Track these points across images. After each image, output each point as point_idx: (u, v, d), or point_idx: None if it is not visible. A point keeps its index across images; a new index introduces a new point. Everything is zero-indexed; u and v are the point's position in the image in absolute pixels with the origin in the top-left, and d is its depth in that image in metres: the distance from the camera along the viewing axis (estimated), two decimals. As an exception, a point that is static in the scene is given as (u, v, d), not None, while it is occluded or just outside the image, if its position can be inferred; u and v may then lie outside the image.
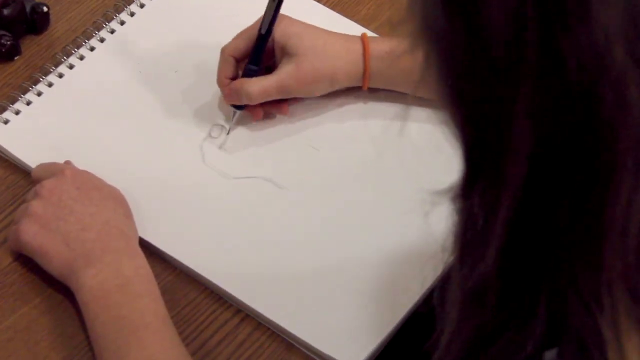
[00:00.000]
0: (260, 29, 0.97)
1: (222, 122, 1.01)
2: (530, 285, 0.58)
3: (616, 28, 0.50)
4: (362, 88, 1.01)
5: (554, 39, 0.50)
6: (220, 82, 0.99)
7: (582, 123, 0.52)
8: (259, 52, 0.98)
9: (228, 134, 1.00)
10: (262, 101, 0.98)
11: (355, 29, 1.08)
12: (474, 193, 0.57)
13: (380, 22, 1.09)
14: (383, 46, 0.99)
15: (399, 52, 0.96)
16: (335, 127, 1.02)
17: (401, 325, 0.90)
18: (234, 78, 0.99)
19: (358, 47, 0.99)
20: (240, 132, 1.01)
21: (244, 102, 0.98)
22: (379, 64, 0.99)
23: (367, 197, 0.97)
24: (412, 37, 0.56)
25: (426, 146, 0.58)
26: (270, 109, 1.01)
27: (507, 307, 0.59)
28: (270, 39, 0.98)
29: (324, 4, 1.11)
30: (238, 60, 0.99)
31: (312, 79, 0.98)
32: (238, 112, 1.00)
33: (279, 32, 0.98)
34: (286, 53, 0.98)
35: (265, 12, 0.97)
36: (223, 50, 0.99)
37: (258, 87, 0.97)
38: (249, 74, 0.98)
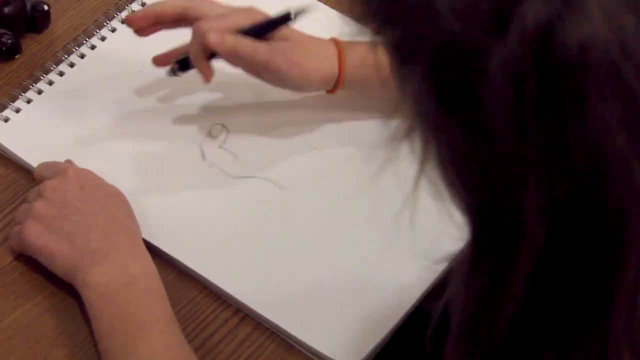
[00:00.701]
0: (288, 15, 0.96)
1: (222, 121, 1.01)
2: (539, 348, 0.58)
3: (616, 120, 0.50)
4: (329, 92, 1.00)
5: (556, 135, 0.51)
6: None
7: (591, 207, 0.52)
8: (265, 28, 0.97)
9: (166, 74, 1.00)
10: (227, 54, 0.94)
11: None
12: (482, 267, 0.57)
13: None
14: (357, 52, 0.98)
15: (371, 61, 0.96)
16: (337, 126, 1.02)
17: (399, 326, 0.90)
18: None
19: (333, 50, 0.98)
20: (241, 131, 1.01)
21: (212, 44, 0.94)
22: (353, 70, 0.98)
23: (370, 199, 0.97)
24: (407, 123, 0.56)
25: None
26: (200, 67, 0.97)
27: None
28: None
29: (324, 3, 1.11)
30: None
31: (287, 66, 0.95)
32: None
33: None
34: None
35: (270, 22, 0.96)
36: (196, 29, 0.95)
37: (232, 38, 0.94)
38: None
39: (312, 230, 0.95)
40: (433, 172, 0.56)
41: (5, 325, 0.89)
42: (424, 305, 0.91)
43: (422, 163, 0.56)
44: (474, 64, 0.50)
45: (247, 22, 0.96)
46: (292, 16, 0.96)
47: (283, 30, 0.96)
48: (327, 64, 0.98)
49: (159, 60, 1.01)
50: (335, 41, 0.99)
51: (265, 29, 0.97)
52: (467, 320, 0.60)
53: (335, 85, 0.99)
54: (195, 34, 0.96)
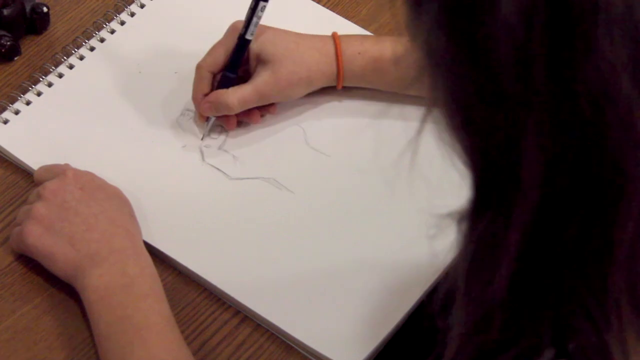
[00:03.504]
0: (244, 34, 0.97)
1: (221, 123, 1.01)
2: (538, 303, 0.58)
3: (622, 61, 0.50)
4: (337, 88, 1.01)
5: (562, 74, 0.50)
6: (196, 99, 0.99)
7: (591, 152, 0.52)
8: (238, 59, 0.98)
9: (202, 139, 1.00)
10: (242, 110, 0.98)
11: (355, 30, 1.08)
12: (483, 218, 0.57)
13: (380, 24, 1.09)
14: (355, 46, 0.99)
15: (369, 55, 0.98)
16: (339, 128, 1.02)
17: (399, 328, 0.90)
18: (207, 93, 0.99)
19: (330, 47, 0.99)
20: (240, 132, 1.01)
21: (222, 113, 0.98)
22: (352, 65, 0.99)
23: (369, 199, 0.97)
24: (417, 66, 0.56)
25: (438, 152, 0.58)
26: (244, 118, 1.00)
27: (513, 326, 0.59)
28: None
29: (323, 5, 1.11)
30: (215, 75, 0.99)
31: (289, 83, 0.98)
32: (212, 118, 0.99)
33: (253, 39, 0.98)
34: (261, 60, 0.98)
35: (251, 16, 0.96)
36: (200, 67, 0.99)
37: (237, 97, 0.97)
38: (226, 82, 0.98)
39: (311, 231, 0.95)
40: (439, 119, 0.56)
41: (4, 327, 0.89)
42: (425, 305, 0.91)
43: (430, 107, 0.57)
44: None
45: (222, 56, 0.98)
46: (247, 35, 0.97)
47: (263, 51, 0.97)
48: (324, 62, 0.99)
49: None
50: (334, 36, 1.00)
51: (237, 60, 0.98)
52: (468, 278, 0.59)
53: (337, 80, 1.00)
54: (198, 69, 0.99)
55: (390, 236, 0.94)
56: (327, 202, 0.97)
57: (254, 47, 0.98)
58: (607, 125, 0.51)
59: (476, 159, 0.56)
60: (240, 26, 0.97)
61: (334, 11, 1.10)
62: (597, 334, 0.57)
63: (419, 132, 0.58)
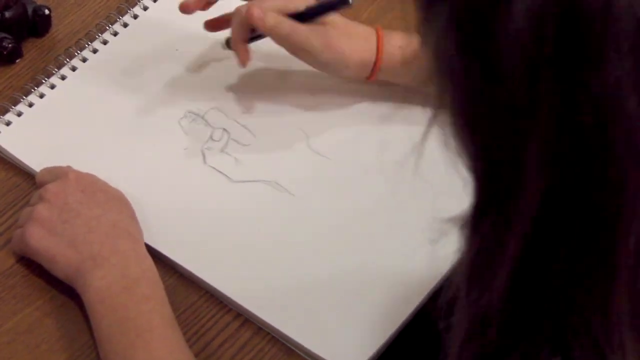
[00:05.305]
0: None
1: (224, 125, 1.01)
2: (535, 320, 0.58)
3: (629, 78, 0.50)
4: (368, 79, 1.01)
5: (569, 86, 0.50)
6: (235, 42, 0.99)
7: (593, 168, 0.52)
8: (319, 11, 0.98)
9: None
10: (268, 31, 0.97)
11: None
12: (484, 224, 0.57)
13: (381, 26, 1.09)
14: (396, 40, 1.00)
15: (409, 51, 0.97)
16: (341, 132, 1.02)
17: (400, 331, 0.90)
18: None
19: (373, 39, 1.00)
20: (242, 135, 1.01)
21: (253, 21, 0.96)
22: (390, 58, 1.00)
23: (371, 203, 0.97)
24: (426, 71, 0.56)
25: (441, 157, 0.59)
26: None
27: (511, 333, 0.59)
28: None
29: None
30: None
31: (324, 46, 0.97)
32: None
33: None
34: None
35: (322, 6, 0.97)
36: (239, 11, 0.98)
37: (273, 20, 0.96)
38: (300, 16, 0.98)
39: (313, 234, 0.95)
40: (444, 123, 0.57)
41: (5, 329, 0.89)
42: (428, 309, 0.91)
43: (436, 111, 0.57)
44: (499, 3, 0.50)
45: (299, 7, 0.98)
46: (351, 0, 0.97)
47: (327, 16, 0.98)
48: (366, 49, 1.00)
49: (209, 26, 1.03)
50: (377, 29, 1.00)
51: (315, 13, 0.98)
52: (468, 282, 0.59)
53: (372, 71, 1.00)
54: (238, 12, 0.98)
55: (392, 240, 0.94)
56: (328, 206, 0.97)
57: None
58: (609, 143, 0.51)
59: (480, 166, 0.56)
60: None
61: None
62: (599, 355, 0.57)
63: (425, 135, 0.58)
